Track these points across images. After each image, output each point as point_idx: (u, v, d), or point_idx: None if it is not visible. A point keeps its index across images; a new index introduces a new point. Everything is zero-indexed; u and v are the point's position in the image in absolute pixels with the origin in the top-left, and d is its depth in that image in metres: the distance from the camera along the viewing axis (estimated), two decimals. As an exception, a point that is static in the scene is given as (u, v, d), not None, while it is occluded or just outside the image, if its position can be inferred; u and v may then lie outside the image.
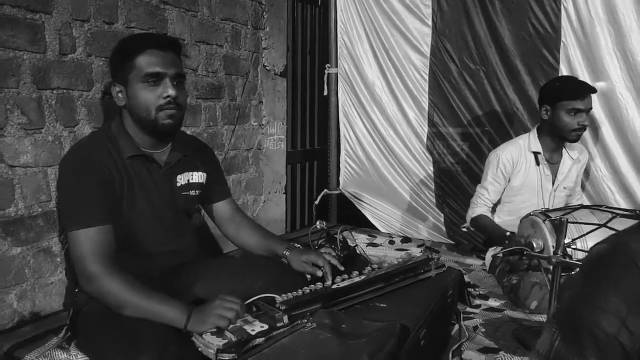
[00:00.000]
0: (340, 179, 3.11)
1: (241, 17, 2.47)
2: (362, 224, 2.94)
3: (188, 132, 2.14)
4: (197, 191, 1.54)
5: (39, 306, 1.65)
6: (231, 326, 1.15)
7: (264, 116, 2.70)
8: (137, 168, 1.39)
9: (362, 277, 1.44)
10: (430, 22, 2.69)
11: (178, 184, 1.48)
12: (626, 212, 1.60)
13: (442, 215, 2.72)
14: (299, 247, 1.59)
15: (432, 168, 2.77)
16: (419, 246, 2.53)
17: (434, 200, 2.77)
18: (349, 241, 1.89)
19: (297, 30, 3.10)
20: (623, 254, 0.62)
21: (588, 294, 0.66)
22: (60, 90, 1.66)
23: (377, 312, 1.31)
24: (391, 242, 2.64)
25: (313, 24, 3.27)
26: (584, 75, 2.29)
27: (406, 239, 2.69)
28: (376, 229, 2.92)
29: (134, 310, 1.18)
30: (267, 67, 2.67)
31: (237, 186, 2.54)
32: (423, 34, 2.71)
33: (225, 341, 1.10)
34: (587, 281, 0.68)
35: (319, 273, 1.44)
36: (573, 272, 1.47)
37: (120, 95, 1.37)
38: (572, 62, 2.33)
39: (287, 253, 1.53)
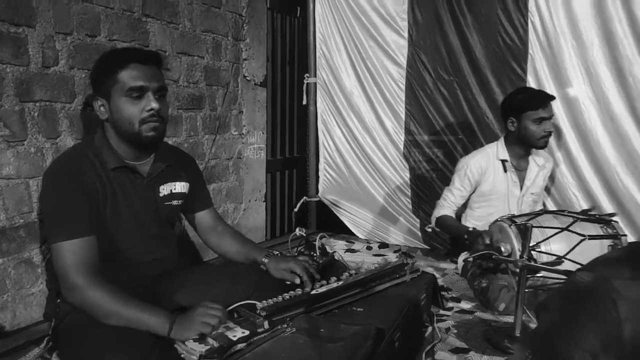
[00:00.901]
0: (319, 186, 3.17)
1: (222, 29, 2.52)
2: (341, 230, 3.01)
3: (169, 142, 2.17)
4: (179, 201, 1.57)
5: (20, 317, 1.66)
6: (213, 332, 1.19)
7: (244, 125, 2.75)
8: (121, 179, 1.42)
9: (340, 282, 1.50)
10: (406, 34, 2.78)
11: (161, 194, 1.51)
12: (586, 217, 1.70)
13: (418, 220, 2.81)
14: (277, 254, 1.63)
15: (408, 175, 2.86)
16: (395, 251, 2.61)
17: (410, 207, 2.85)
18: (327, 248, 1.95)
19: (276, 41, 3.16)
20: (603, 292, 0.64)
21: (566, 326, 0.67)
22: (43, 102, 1.68)
23: (354, 316, 1.36)
24: (369, 248, 2.71)
25: (292, 35, 3.34)
26: (549, 86, 2.41)
27: (383, 245, 2.77)
28: (354, 235, 2.99)
29: (118, 319, 1.21)
30: (247, 78, 2.72)
31: (217, 195, 2.57)
32: (399, 45, 2.80)
33: (208, 347, 1.14)
34: (566, 313, 0.69)
35: (297, 280, 1.49)
36: (539, 274, 1.57)
37: (102, 109, 1.40)
38: (538, 73, 2.45)
39: (266, 260, 1.57)
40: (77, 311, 1.27)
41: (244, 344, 1.17)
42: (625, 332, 0.60)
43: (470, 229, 1.95)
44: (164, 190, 1.52)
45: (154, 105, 1.36)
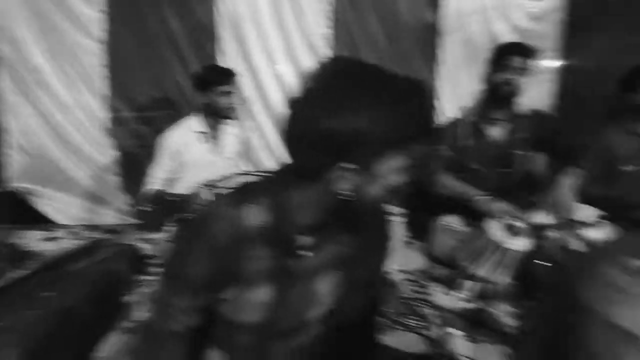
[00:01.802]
0: (8, 174, 2.79)
1: None
2: (42, 220, 2.74)
3: None
4: None
5: None
6: None
7: None
8: None
9: (22, 271, 1.40)
10: (102, 8, 2.68)
11: None
12: (257, 173, 2.05)
13: (129, 197, 2.80)
14: None
15: (115, 153, 2.80)
16: (106, 231, 2.54)
17: (120, 185, 2.81)
18: (16, 244, 1.77)
19: None
20: (202, 219, 0.82)
21: (180, 249, 0.85)
22: None
23: (44, 301, 1.30)
24: (74, 233, 2.55)
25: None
26: (237, 65, 2.70)
27: (92, 227, 2.66)
28: (56, 223, 2.77)
29: None
30: None
31: None
32: (96, 19, 2.67)
33: None
34: (181, 239, 0.86)
35: None
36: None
37: None
38: (227, 53, 2.74)
39: None
40: None
41: None
42: (219, 242, 0.79)
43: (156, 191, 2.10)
44: None
45: None
